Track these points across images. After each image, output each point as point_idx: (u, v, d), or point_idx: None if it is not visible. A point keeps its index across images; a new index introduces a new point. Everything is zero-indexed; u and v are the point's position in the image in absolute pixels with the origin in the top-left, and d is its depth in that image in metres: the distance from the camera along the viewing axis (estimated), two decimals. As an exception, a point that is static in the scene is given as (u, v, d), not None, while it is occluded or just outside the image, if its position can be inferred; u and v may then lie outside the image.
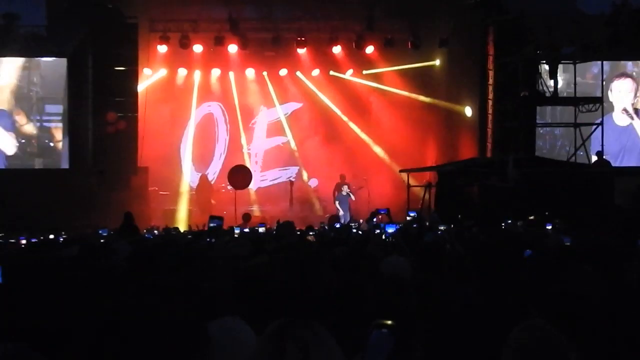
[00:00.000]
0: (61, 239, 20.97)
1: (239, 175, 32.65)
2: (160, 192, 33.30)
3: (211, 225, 20.32)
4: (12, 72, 32.21)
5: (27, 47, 32.53)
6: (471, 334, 4.63)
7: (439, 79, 35.02)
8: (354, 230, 20.97)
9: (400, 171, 31.78)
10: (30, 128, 31.86)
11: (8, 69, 32.05)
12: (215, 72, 36.51)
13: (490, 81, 31.17)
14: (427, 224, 19.69)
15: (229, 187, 33.94)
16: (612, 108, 31.47)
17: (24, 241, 18.35)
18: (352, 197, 33.01)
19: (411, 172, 30.58)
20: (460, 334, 4.62)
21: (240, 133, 37.79)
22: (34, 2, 34.42)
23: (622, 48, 33.19)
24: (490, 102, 31.32)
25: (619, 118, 32.20)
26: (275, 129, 38.24)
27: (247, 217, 29.90)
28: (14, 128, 31.96)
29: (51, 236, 21.92)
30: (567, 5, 34.88)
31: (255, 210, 34.32)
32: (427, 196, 28.87)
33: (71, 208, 27.88)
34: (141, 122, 32.79)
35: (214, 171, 35.93)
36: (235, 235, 20.04)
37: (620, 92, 33.31)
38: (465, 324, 4.92)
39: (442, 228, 16.40)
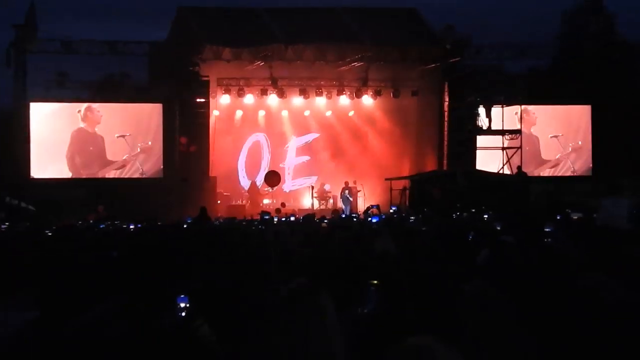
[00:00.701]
0: (158, 224, 21.34)
1: (272, 177, 32.40)
2: (224, 193, 33.21)
3: (264, 217, 20.89)
4: (127, 112, 32.44)
5: (135, 96, 33.99)
6: (436, 292, 4.52)
7: (412, 116, 34.81)
8: (354, 220, 20.94)
9: (386, 179, 32.18)
10: (137, 149, 31.53)
11: (123, 109, 32.36)
12: (261, 113, 35.12)
13: (446, 119, 32.09)
14: (404, 214, 20.54)
15: (268, 189, 34.01)
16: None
17: (132, 227, 18.61)
18: (351, 198, 32.92)
19: (393, 180, 31.48)
20: (427, 293, 4.51)
21: (278, 153, 36.71)
22: (139, 64, 35.34)
23: (536, 98, 35.16)
24: (445, 133, 32.19)
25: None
26: (301, 150, 36.72)
27: (279, 210, 29.68)
28: (129, 149, 31.77)
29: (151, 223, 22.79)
30: (498, 67, 37.05)
31: (288, 205, 32.75)
32: (403, 197, 30.41)
33: (165, 204, 28.65)
34: (212, 146, 32.58)
35: (260, 179, 34.40)
36: (275, 222, 20.57)
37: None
38: (432, 285, 4.79)
39: (412, 218, 17.46)
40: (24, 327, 3.87)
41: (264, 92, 33.01)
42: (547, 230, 10.45)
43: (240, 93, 33.33)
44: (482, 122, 31.98)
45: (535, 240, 9.32)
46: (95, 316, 3.64)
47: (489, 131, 32.00)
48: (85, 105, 31.63)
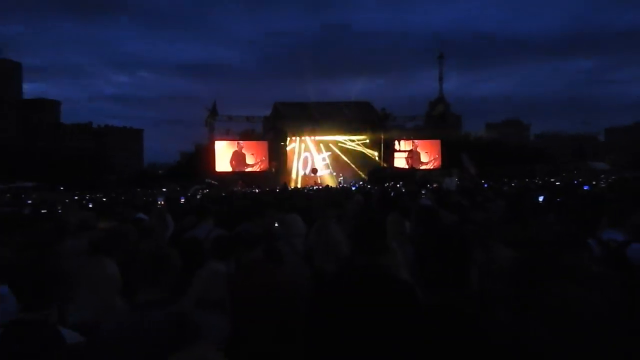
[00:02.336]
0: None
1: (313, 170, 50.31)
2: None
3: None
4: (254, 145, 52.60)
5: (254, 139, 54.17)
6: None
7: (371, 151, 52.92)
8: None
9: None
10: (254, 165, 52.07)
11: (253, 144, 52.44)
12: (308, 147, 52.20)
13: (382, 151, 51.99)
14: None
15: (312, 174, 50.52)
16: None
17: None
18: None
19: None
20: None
21: (316, 164, 52.81)
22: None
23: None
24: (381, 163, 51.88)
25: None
26: (325, 164, 53.02)
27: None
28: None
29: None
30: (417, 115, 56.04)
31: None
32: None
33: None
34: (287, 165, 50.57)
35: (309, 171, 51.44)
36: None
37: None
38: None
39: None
40: None
41: (309, 134, 51.94)
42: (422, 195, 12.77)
43: (301, 139, 52.53)
44: (400, 146, 53.00)
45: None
46: None
47: (401, 151, 52.83)
48: (238, 142, 52.43)
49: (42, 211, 12.50)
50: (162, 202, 11.23)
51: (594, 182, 23.03)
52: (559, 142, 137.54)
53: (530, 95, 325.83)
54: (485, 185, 23.84)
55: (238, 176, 50.16)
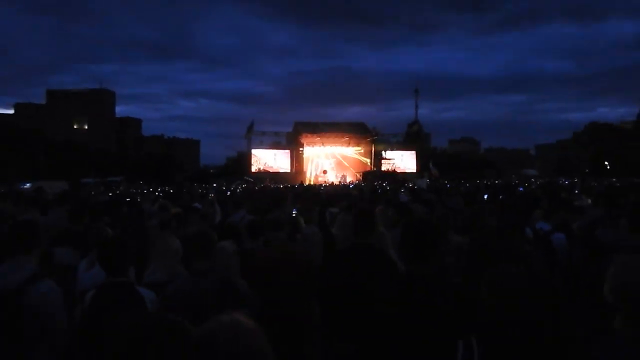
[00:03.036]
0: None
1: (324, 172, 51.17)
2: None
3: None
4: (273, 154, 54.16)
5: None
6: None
7: (364, 158, 55.28)
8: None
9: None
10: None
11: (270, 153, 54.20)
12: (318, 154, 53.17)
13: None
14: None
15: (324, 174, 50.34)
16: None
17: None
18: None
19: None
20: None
21: (324, 166, 52.45)
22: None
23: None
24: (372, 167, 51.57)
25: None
26: (328, 165, 52.68)
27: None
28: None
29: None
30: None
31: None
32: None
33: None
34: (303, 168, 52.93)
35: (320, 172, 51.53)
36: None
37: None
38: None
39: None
40: None
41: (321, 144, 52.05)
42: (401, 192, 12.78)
43: (313, 148, 52.67)
44: (386, 155, 54.38)
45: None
46: None
47: (386, 159, 53.67)
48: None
49: (127, 199, 12.40)
50: (213, 195, 11.20)
51: (526, 184, 22.75)
52: (502, 155, 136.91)
53: (481, 119, 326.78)
54: (448, 185, 23.72)
55: (267, 175, 50.23)
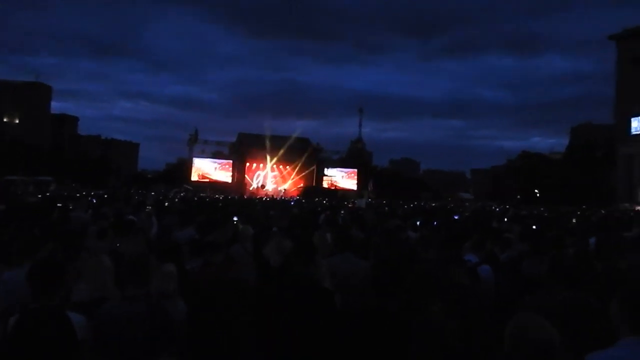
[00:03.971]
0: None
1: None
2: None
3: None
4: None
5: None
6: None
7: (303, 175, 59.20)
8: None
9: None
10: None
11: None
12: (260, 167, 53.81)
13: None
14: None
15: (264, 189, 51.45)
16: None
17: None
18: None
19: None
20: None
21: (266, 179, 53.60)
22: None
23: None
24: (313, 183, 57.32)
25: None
26: (272, 181, 53.31)
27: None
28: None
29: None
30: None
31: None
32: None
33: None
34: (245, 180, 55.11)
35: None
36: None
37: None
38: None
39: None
40: None
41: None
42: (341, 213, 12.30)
43: (257, 165, 53.30)
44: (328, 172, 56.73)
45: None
46: None
47: (328, 176, 56.90)
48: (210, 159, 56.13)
49: (58, 204, 11.86)
50: (150, 208, 10.91)
51: (461, 209, 23.37)
52: (440, 177, 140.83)
53: (421, 141, 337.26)
54: (386, 208, 23.89)
55: (207, 185, 49.86)
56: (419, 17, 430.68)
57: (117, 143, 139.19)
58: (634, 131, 54.47)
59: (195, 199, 22.46)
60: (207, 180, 52.09)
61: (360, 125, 73.01)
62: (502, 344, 2.21)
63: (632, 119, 54.89)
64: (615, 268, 4.48)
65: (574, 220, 11.92)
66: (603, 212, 21.86)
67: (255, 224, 7.12)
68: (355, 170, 57.80)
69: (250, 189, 51.53)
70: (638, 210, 31.79)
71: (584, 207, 29.72)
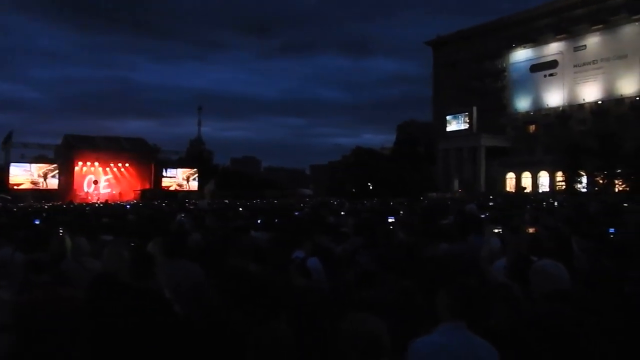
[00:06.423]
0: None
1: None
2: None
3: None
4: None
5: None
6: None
7: (140, 177, 60.46)
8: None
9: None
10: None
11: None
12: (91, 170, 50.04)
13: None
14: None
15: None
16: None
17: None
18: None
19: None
20: None
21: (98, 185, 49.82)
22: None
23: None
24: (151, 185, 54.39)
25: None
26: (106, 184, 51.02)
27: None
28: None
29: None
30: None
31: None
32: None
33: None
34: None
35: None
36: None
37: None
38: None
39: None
40: None
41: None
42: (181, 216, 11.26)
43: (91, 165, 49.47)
44: (167, 173, 58.36)
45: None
46: None
47: (167, 177, 57.60)
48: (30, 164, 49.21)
49: None
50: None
51: (302, 205, 23.93)
52: (282, 174, 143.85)
53: (263, 140, 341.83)
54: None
55: (30, 193, 45.43)
56: (257, 16, 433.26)
57: None
58: (449, 128, 61.53)
59: (15, 210, 20.08)
60: (30, 188, 46.95)
61: (199, 124, 71.85)
62: (336, 338, 2.28)
63: (448, 118, 62.12)
64: (437, 256, 4.89)
65: (401, 212, 12.95)
66: (426, 202, 24.13)
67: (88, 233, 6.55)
68: (196, 170, 56.41)
69: (81, 194, 47.82)
70: (452, 198, 35.76)
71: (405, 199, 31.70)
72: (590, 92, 53.43)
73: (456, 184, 58.06)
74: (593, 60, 53.20)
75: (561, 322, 2.27)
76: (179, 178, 54.87)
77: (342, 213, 13.48)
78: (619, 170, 40.93)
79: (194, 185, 55.36)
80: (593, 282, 3.30)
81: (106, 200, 39.76)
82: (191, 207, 22.48)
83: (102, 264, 4.44)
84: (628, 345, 2.48)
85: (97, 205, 29.02)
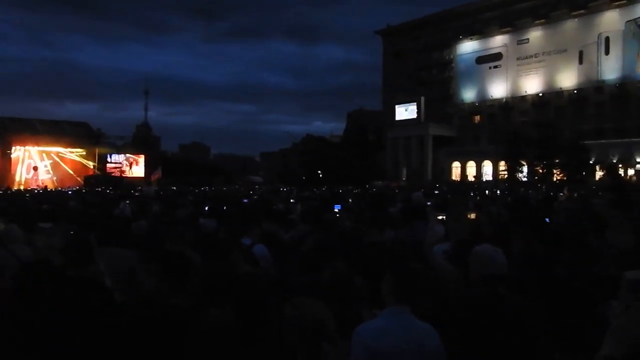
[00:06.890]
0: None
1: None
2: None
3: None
4: None
5: None
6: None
7: (87, 161, 58.84)
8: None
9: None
10: None
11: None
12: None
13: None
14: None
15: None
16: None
17: None
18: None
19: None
20: None
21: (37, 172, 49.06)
22: None
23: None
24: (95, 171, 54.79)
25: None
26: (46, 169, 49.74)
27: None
28: None
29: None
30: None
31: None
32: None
33: None
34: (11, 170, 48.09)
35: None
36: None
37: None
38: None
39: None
40: None
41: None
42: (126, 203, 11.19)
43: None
44: (111, 158, 56.76)
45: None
46: None
47: (112, 163, 57.19)
48: None
49: None
50: None
51: (251, 192, 23.80)
52: (231, 161, 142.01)
53: (211, 126, 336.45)
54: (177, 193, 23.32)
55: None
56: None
57: None
58: (398, 117, 62.28)
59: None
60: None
61: (146, 109, 70.01)
62: (281, 324, 2.29)
63: (397, 107, 62.81)
64: (381, 242, 4.98)
65: (350, 200, 13.11)
66: (375, 190, 24.51)
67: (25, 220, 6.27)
68: (142, 156, 55.06)
69: (17, 180, 45.90)
70: (398, 186, 36.42)
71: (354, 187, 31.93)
72: (532, 85, 55.08)
73: (404, 172, 58.79)
74: (535, 54, 54.83)
75: (492, 302, 2.36)
76: (124, 164, 53.31)
77: (292, 200, 13.51)
78: (557, 160, 42.19)
79: (140, 171, 53.98)
80: (525, 265, 3.43)
81: (46, 187, 38.14)
82: (137, 194, 21.91)
83: (34, 251, 4.32)
84: (554, 320, 2.60)
85: (36, 191, 28.00)
